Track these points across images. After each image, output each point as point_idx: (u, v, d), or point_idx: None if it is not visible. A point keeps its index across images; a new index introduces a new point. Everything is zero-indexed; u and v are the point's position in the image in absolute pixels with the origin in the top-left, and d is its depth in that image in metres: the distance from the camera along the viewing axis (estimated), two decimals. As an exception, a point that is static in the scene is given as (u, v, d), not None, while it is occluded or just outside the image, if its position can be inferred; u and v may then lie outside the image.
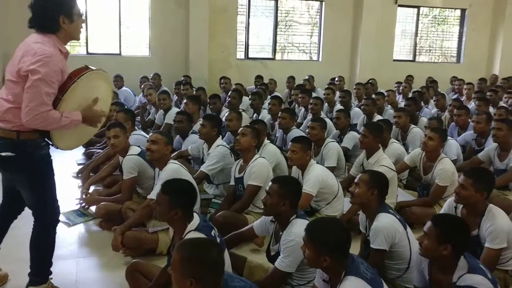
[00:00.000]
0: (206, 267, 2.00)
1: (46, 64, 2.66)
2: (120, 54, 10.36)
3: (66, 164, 6.31)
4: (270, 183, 3.03)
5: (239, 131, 4.35)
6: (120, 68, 9.52)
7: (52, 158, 3.01)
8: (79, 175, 5.48)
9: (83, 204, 4.61)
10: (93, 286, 3.42)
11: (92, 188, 4.95)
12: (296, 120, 7.44)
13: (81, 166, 5.80)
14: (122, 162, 4.38)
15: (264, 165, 4.13)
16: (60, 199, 4.89)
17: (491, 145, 5.05)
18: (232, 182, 4.34)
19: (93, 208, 4.52)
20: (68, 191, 5.25)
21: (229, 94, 6.99)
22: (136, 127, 5.64)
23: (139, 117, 8.25)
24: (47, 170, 2.98)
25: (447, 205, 3.40)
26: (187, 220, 2.75)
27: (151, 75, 9.30)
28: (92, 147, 6.53)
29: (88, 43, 10.08)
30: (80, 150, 6.81)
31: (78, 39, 2.98)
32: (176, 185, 2.89)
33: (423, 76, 11.20)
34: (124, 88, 9.15)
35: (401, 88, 8.86)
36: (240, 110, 6.18)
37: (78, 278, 3.49)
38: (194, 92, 7.73)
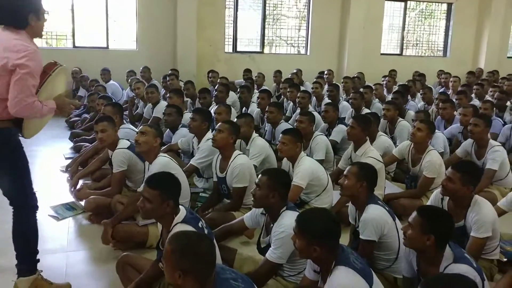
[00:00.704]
0: (197, 259, 2.01)
1: (33, 59, 2.83)
2: (107, 47, 10.28)
3: (54, 158, 6.29)
4: (260, 175, 3.04)
5: (216, 127, 4.26)
6: (107, 62, 9.46)
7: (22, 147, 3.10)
8: (68, 169, 5.44)
9: (75, 198, 4.60)
10: (83, 280, 3.41)
11: (80, 182, 4.92)
12: (284, 114, 7.49)
13: (69, 160, 5.76)
14: (111, 156, 4.36)
15: (244, 165, 4.04)
16: (49, 193, 4.93)
17: (467, 141, 5.06)
18: (215, 178, 4.33)
19: (82, 202, 4.50)
20: (56, 185, 5.24)
21: (216, 88, 6.95)
22: (124, 121, 5.61)
23: (127, 111, 8.24)
24: (22, 156, 3.09)
25: (434, 197, 3.46)
26: (173, 213, 2.75)
27: (141, 68, 9.24)
28: (80, 141, 6.49)
29: (75, 37, 9.96)
30: (68, 144, 6.78)
31: (41, 36, 3.12)
32: (162, 178, 2.89)
33: (410, 70, 11.31)
34: (111, 82, 9.08)
35: (384, 82, 8.90)
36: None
37: (68, 271, 3.48)
38: (183, 86, 7.71)
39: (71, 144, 6.73)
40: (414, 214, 2.53)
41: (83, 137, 6.67)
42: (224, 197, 4.20)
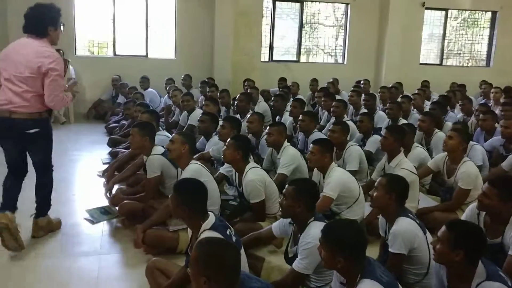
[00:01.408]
0: (221, 267, 2.03)
1: (59, 63, 3.71)
2: (146, 56, 10.53)
3: (92, 163, 6.47)
4: (287, 185, 3.04)
5: (225, 144, 4.23)
6: (146, 70, 9.69)
7: None
8: (104, 174, 5.59)
9: (109, 203, 4.72)
10: (114, 283, 3.49)
11: (116, 187, 5.05)
12: (319, 123, 7.45)
13: (106, 165, 5.92)
14: (146, 162, 4.46)
15: (254, 181, 3.92)
16: (85, 197, 5.08)
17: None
18: (236, 193, 4.38)
19: (117, 206, 4.61)
20: (93, 189, 5.38)
21: (236, 97, 6.89)
22: (160, 128, 5.72)
23: (163, 118, 8.40)
24: (51, 139, 4.02)
25: (470, 211, 3.35)
26: (201, 219, 2.79)
27: (182, 76, 9.42)
28: (117, 147, 6.66)
29: (116, 45, 10.26)
30: (107, 149, 6.96)
31: (56, 44, 3.87)
32: (181, 184, 3.00)
33: (450, 80, 11.02)
34: (149, 89, 9.30)
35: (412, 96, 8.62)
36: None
37: (100, 274, 3.56)
38: (218, 94, 7.80)
39: (109, 150, 6.90)
40: (443, 228, 2.46)
41: (121, 143, 6.83)
42: (249, 209, 4.19)
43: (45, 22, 3.71)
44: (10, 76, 3.68)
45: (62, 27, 3.86)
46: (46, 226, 4.12)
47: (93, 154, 6.98)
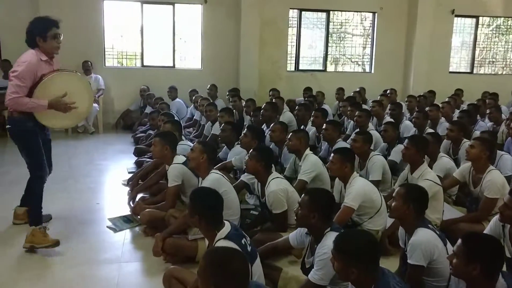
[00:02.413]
0: (227, 276, 2.02)
1: (20, 65, 3.89)
2: (173, 66, 10.68)
3: (118, 173, 6.58)
4: (303, 195, 3.02)
5: (248, 154, 4.22)
6: (173, 80, 9.82)
7: (36, 133, 4.07)
8: (129, 182, 5.67)
9: (131, 212, 4.79)
10: (133, 290, 3.53)
11: (139, 196, 5.11)
12: (344, 132, 7.38)
13: (131, 174, 6.01)
14: (167, 171, 4.51)
15: (276, 191, 3.90)
16: (109, 206, 5.16)
17: None
18: (258, 202, 4.36)
19: (139, 215, 4.66)
20: (117, 198, 5.47)
21: (263, 106, 6.88)
22: (183, 137, 5.78)
23: (190, 128, 8.50)
24: (28, 140, 4.07)
25: (493, 224, 3.24)
26: (216, 228, 2.79)
27: (208, 86, 9.52)
28: (143, 156, 6.76)
29: (144, 56, 10.46)
30: (133, 159, 7.07)
31: (52, 54, 4.08)
32: (197, 193, 3.03)
33: (482, 88, 10.73)
34: (177, 99, 9.43)
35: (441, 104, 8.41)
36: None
37: (120, 281, 3.61)
38: (243, 104, 7.84)
39: (135, 159, 7.01)
40: (459, 242, 2.37)
41: (146, 152, 6.93)
42: (270, 219, 4.16)
43: (33, 34, 3.98)
44: None
45: (58, 37, 4.01)
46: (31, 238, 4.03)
47: (119, 164, 7.10)
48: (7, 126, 4.15)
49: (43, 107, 3.92)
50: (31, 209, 4.20)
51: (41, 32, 3.96)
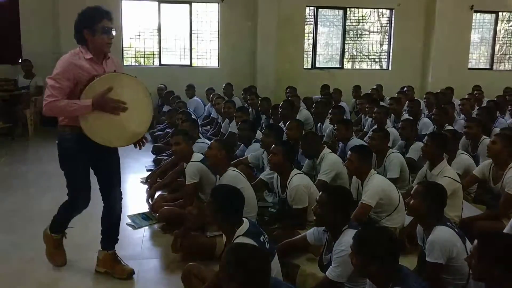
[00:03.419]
0: (248, 273, 2.04)
1: (56, 68, 3.18)
2: (191, 65, 10.75)
3: (136, 171, 6.65)
4: (320, 193, 3.02)
5: (271, 150, 4.22)
6: (190, 79, 9.89)
7: (78, 152, 3.37)
8: (147, 180, 5.74)
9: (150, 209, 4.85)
10: (152, 287, 3.58)
11: (158, 193, 5.17)
12: (362, 130, 7.36)
13: (149, 172, 6.07)
14: (185, 168, 4.55)
15: (299, 186, 3.95)
16: (128, 203, 5.21)
17: None
18: (277, 199, 4.35)
19: (157, 212, 4.72)
20: (136, 195, 5.53)
21: (280, 104, 6.87)
22: (201, 135, 5.82)
23: (208, 126, 8.55)
24: (67, 160, 3.42)
25: (513, 222, 3.21)
26: (235, 225, 2.82)
27: (223, 85, 9.56)
28: (161, 154, 6.82)
29: (161, 55, 10.54)
30: (151, 157, 7.13)
31: (105, 51, 3.32)
32: (218, 190, 3.04)
33: (502, 85, 10.59)
34: (195, 97, 9.49)
35: (458, 102, 8.27)
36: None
37: (139, 278, 3.65)
38: (259, 102, 7.86)
39: (153, 157, 7.07)
40: (475, 242, 2.31)
41: (164, 150, 7.00)
42: (289, 216, 4.17)
43: (79, 26, 3.25)
44: None
45: (111, 32, 3.26)
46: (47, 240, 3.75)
47: (138, 162, 7.17)
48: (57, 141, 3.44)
49: (87, 108, 3.13)
50: (57, 216, 3.67)
51: (89, 24, 3.21)
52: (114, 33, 3.29)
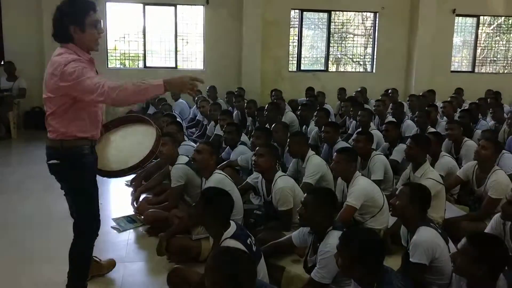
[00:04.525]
0: (233, 277, 2.04)
1: (71, 66, 2.71)
2: (176, 67, 10.71)
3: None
4: (305, 194, 3.04)
5: (255, 152, 4.23)
6: (175, 81, 9.82)
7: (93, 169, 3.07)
8: (132, 183, 5.70)
9: (135, 212, 4.82)
10: (137, 290, 3.56)
11: (142, 196, 5.14)
12: (346, 132, 7.41)
13: (134, 175, 6.03)
14: (170, 171, 4.53)
15: (284, 188, 3.95)
16: (113, 206, 5.18)
17: None
18: (262, 201, 4.37)
19: (142, 215, 4.69)
20: (120, 198, 5.50)
21: (266, 107, 6.88)
22: (186, 138, 5.81)
23: (193, 129, 8.52)
24: (89, 177, 3.03)
25: (494, 222, 3.26)
26: (223, 228, 2.82)
27: (207, 87, 9.55)
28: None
29: (146, 57, 10.49)
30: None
31: (93, 49, 2.91)
32: (211, 194, 3.03)
33: (483, 87, 10.75)
34: (180, 100, 9.45)
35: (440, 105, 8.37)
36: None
37: (124, 281, 3.64)
38: (245, 105, 7.86)
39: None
40: (464, 241, 2.37)
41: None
42: (274, 218, 4.18)
43: (65, 22, 2.79)
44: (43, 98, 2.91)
45: (98, 25, 2.87)
46: None
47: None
48: (52, 162, 2.90)
49: (159, 88, 2.69)
50: (72, 273, 3.20)
51: (77, 19, 2.77)
52: (102, 26, 2.93)
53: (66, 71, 2.69)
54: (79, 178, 2.96)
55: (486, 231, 3.30)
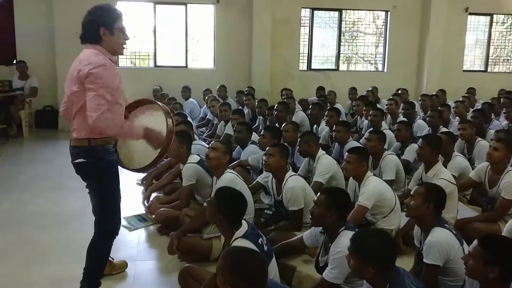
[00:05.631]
0: (244, 277, 2.03)
1: (106, 70, 2.88)
2: (186, 66, 10.73)
3: (132, 172, 6.61)
4: (318, 193, 3.02)
5: (266, 152, 4.21)
6: (186, 80, 9.86)
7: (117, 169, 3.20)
8: (143, 182, 5.72)
9: (146, 211, 4.83)
10: (148, 288, 3.57)
11: (153, 195, 5.15)
12: (357, 132, 7.37)
13: (145, 174, 6.05)
14: (182, 170, 4.54)
15: (294, 188, 3.92)
16: (124, 205, 5.18)
17: None
18: (273, 201, 4.36)
19: (153, 214, 4.70)
20: (132, 197, 5.50)
21: (275, 106, 6.85)
22: (196, 137, 5.81)
23: (203, 128, 8.53)
24: (113, 177, 3.18)
25: (510, 225, 3.22)
26: (234, 228, 2.81)
27: (217, 87, 9.55)
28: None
29: (157, 56, 10.52)
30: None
31: (119, 53, 3.11)
32: (225, 193, 3.02)
33: (496, 87, 10.65)
34: (190, 99, 9.48)
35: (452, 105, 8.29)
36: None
37: (135, 280, 3.65)
38: (256, 104, 7.86)
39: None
40: (475, 243, 2.34)
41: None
42: (285, 218, 4.17)
43: (94, 24, 2.95)
44: (66, 96, 3.06)
45: (124, 33, 3.07)
46: None
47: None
48: (79, 161, 3.01)
49: (137, 136, 3.05)
50: (88, 272, 3.24)
51: (108, 22, 2.96)
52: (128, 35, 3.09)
53: (95, 73, 2.84)
54: (104, 177, 3.08)
55: (503, 234, 3.25)
